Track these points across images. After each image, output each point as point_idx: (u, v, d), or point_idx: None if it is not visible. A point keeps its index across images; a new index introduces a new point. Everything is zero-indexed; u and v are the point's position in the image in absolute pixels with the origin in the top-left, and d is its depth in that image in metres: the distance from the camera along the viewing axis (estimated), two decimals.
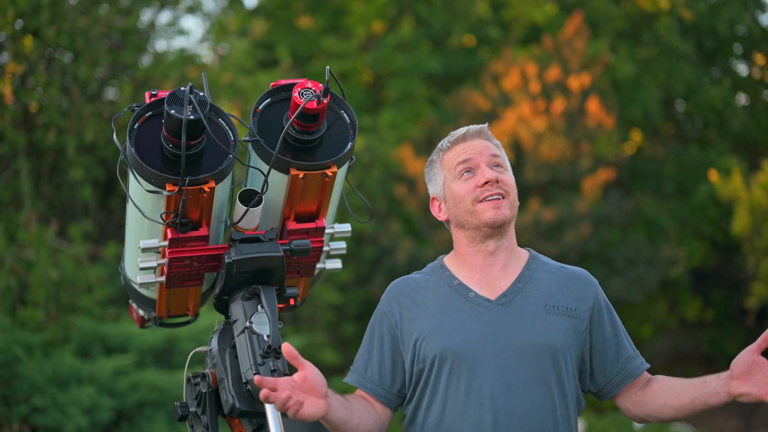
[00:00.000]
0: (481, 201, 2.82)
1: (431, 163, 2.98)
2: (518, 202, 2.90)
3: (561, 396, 2.77)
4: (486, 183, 2.81)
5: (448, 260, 2.98)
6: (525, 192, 11.63)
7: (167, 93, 3.04)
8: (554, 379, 2.75)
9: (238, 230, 3.26)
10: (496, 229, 2.83)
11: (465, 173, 2.85)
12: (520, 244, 3.00)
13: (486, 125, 2.94)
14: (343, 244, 3.51)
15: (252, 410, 3.14)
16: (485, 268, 2.87)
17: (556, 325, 2.78)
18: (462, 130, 2.92)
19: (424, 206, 11.95)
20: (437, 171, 2.95)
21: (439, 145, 2.97)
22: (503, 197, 2.82)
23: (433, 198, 2.98)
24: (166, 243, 3.17)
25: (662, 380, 2.85)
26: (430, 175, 2.98)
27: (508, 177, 2.87)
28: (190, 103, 2.98)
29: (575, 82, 11.78)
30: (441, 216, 2.96)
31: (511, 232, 2.91)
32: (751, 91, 15.46)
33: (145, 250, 3.19)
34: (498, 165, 2.86)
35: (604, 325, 2.85)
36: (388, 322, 2.93)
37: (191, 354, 3.51)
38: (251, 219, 3.24)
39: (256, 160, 3.25)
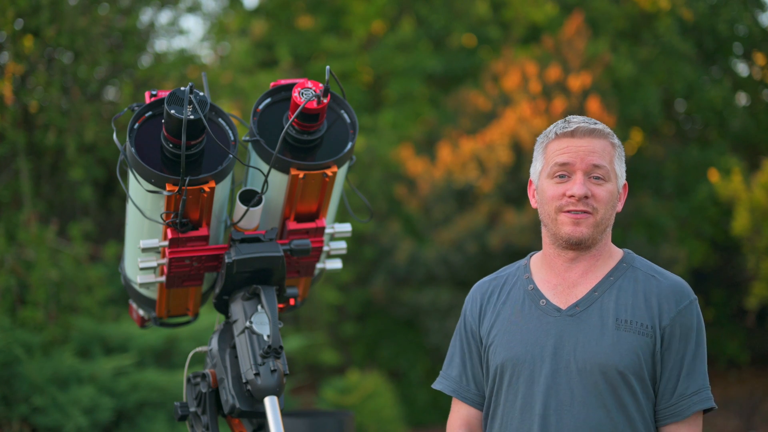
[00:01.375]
0: (564, 212, 2.65)
1: (538, 141, 2.78)
2: (611, 219, 2.69)
3: (625, 420, 2.58)
4: (572, 197, 2.63)
5: (535, 258, 2.82)
6: (525, 192, 11.63)
7: (167, 93, 3.04)
8: (614, 402, 2.58)
9: (238, 230, 3.25)
10: (573, 245, 2.67)
11: (558, 176, 2.66)
12: (537, 246, 2.84)
13: (598, 126, 2.69)
14: (343, 244, 3.51)
15: (252, 410, 3.14)
16: (564, 273, 2.71)
17: (624, 344, 2.59)
18: (574, 124, 2.69)
19: (424, 206, 11.95)
20: (538, 155, 2.76)
21: (550, 128, 2.76)
22: (589, 214, 2.64)
23: (530, 181, 2.81)
24: (166, 243, 3.17)
25: None
26: (534, 154, 2.80)
27: (604, 191, 2.65)
28: (190, 103, 2.98)
29: (575, 82, 11.78)
30: (533, 202, 2.80)
31: (605, 239, 2.72)
32: (751, 91, 15.45)
33: (145, 250, 3.19)
34: (598, 176, 2.65)
35: (671, 352, 2.63)
36: (470, 325, 2.83)
37: (191, 354, 3.52)
38: (251, 219, 3.24)
39: (256, 160, 3.25)
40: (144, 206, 3.15)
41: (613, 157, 2.69)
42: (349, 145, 3.27)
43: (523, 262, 2.85)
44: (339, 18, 14.27)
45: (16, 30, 7.88)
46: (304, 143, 3.20)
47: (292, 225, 3.30)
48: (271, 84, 3.32)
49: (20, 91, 7.96)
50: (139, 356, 7.34)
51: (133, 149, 3.06)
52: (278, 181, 3.23)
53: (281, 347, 3.09)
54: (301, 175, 3.17)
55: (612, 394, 2.58)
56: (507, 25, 14.30)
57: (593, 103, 11.70)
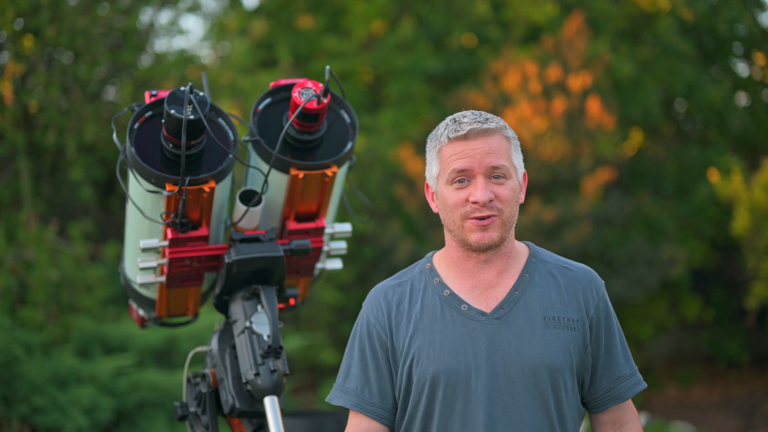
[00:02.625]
0: (470, 218, 2.56)
1: (430, 144, 2.66)
2: (516, 215, 2.63)
3: (559, 419, 2.58)
4: (476, 203, 2.55)
5: (438, 260, 2.69)
6: (525, 192, 11.62)
7: (167, 93, 3.04)
8: (553, 402, 2.56)
9: (238, 230, 3.26)
10: (484, 250, 2.59)
11: (458, 181, 2.57)
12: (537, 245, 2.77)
13: (491, 123, 2.60)
14: (343, 244, 3.51)
15: (252, 410, 3.14)
16: (478, 274, 2.62)
17: (555, 342, 2.56)
18: (466, 126, 2.57)
19: (424, 206, 11.95)
20: (433, 160, 2.64)
21: (440, 129, 2.63)
22: (495, 216, 2.57)
23: (427, 185, 2.69)
24: (166, 243, 3.17)
25: None
26: (427, 157, 2.67)
27: (507, 189, 2.58)
28: (190, 102, 2.98)
29: (575, 82, 11.77)
30: (433, 207, 2.67)
31: (511, 236, 2.65)
32: (751, 91, 15.45)
33: (145, 250, 3.19)
34: (499, 176, 2.58)
35: (600, 339, 2.63)
36: (377, 335, 2.64)
37: (191, 354, 3.52)
38: (251, 219, 3.24)
39: (256, 160, 3.25)
40: (144, 206, 3.15)
41: (509, 152, 2.62)
42: (349, 145, 3.27)
43: (423, 264, 2.71)
44: (339, 18, 14.27)
45: (16, 30, 7.89)
46: (304, 143, 3.20)
47: (292, 225, 3.30)
48: (271, 84, 3.32)
49: (20, 91, 7.97)
50: (139, 356, 7.34)
51: (133, 149, 3.06)
52: (278, 181, 3.23)
53: (281, 347, 3.09)
54: (301, 175, 3.17)
55: (551, 393, 2.55)
56: (507, 25, 14.30)
57: (593, 103, 11.71)
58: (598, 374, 2.64)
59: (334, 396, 2.68)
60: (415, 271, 2.71)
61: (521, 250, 2.70)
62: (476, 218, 2.56)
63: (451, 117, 2.64)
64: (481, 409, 2.53)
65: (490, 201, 2.55)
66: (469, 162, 2.56)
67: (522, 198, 2.67)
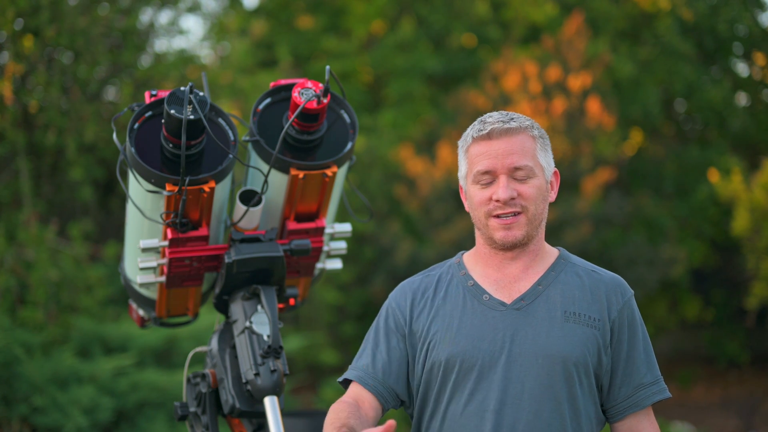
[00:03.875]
0: (494, 216, 2.61)
1: (459, 145, 2.73)
2: (543, 213, 2.66)
3: (573, 413, 2.58)
4: (498, 200, 2.59)
5: (467, 257, 2.76)
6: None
7: (167, 93, 3.04)
8: (565, 394, 2.56)
9: (238, 230, 3.26)
10: (509, 248, 2.64)
11: (482, 180, 2.62)
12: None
13: (514, 123, 2.63)
14: (343, 244, 3.51)
15: (252, 410, 3.14)
16: (504, 269, 2.67)
17: (573, 335, 2.58)
18: (489, 125, 2.62)
19: (424, 206, 11.95)
20: (462, 160, 2.70)
21: (468, 130, 2.69)
22: (519, 213, 2.60)
23: (461, 185, 2.75)
24: (166, 243, 3.17)
25: None
26: (459, 157, 2.73)
27: (531, 188, 2.60)
28: (190, 103, 2.98)
29: (575, 82, 11.77)
30: (466, 206, 2.72)
31: (540, 234, 2.69)
32: (751, 91, 15.45)
33: (145, 250, 3.19)
34: (521, 176, 2.60)
35: (622, 344, 2.63)
36: (396, 319, 2.72)
37: (191, 354, 3.52)
38: (251, 219, 3.24)
39: (256, 160, 3.25)
40: (144, 206, 3.15)
41: (535, 151, 2.63)
42: (349, 145, 3.27)
43: (453, 260, 2.78)
44: (339, 18, 14.27)
45: (16, 30, 7.88)
46: (304, 143, 3.20)
47: (292, 225, 3.30)
48: (271, 84, 3.32)
49: (20, 91, 7.96)
50: (139, 356, 7.34)
51: (133, 149, 3.06)
52: (278, 181, 3.23)
53: (281, 347, 3.09)
54: (301, 175, 3.17)
55: (563, 385, 2.56)
56: (507, 25, 14.30)
57: (593, 103, 11.70)
58: (617, 381, 2.64)
59: (348, 371, 2.76)
60: (445, 266, 2.79)
61: (551, 251, 2.74)
62: (499, 216, 2.61)
63: (480, 117, 2.69)
64: (493, 394, 2.57)
65: (513, 199, 2.59)
66: (491, 163, 2.61)
67: (553, 197, 2.70)
